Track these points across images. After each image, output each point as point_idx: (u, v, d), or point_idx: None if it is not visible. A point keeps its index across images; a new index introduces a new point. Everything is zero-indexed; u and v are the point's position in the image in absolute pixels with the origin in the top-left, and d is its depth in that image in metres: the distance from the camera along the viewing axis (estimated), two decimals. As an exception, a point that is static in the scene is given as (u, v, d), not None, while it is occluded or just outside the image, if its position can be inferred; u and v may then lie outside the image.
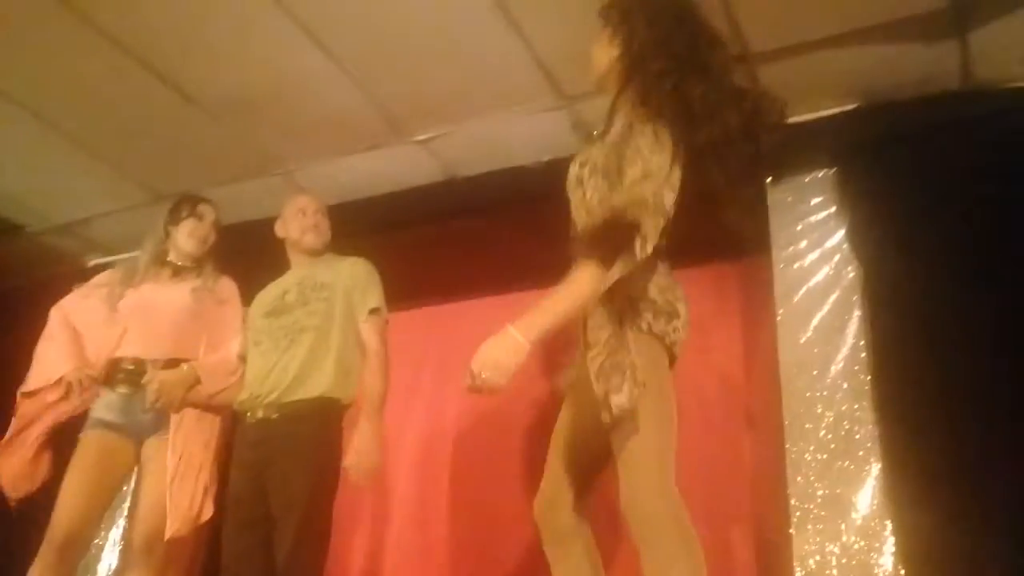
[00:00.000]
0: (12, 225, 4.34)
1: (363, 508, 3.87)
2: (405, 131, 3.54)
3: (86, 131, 3.68)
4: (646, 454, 1.94)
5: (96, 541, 3.88)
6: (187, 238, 3.13)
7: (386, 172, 3.77)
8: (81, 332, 3.03)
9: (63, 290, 4.48)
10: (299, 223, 3.05)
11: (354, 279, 2.96)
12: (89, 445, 2.86)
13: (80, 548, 2.83)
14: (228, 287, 3.19)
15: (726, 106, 1.99)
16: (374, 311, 2.92)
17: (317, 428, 2.74)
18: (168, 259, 3.15)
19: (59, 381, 2.92)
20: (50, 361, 2.98)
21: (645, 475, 1.93)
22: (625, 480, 1.95)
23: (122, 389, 2.91)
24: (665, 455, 1.98)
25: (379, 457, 2.67)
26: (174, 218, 3.16)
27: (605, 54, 2.16)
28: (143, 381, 2.88)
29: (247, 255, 3.65)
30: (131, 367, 2.92)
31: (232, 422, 2.98)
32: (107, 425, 2.87)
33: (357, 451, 2.65)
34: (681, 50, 2.04)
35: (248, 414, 2.82)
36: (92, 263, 4.58)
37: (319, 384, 2.77)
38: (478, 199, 3.75)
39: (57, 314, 3.10)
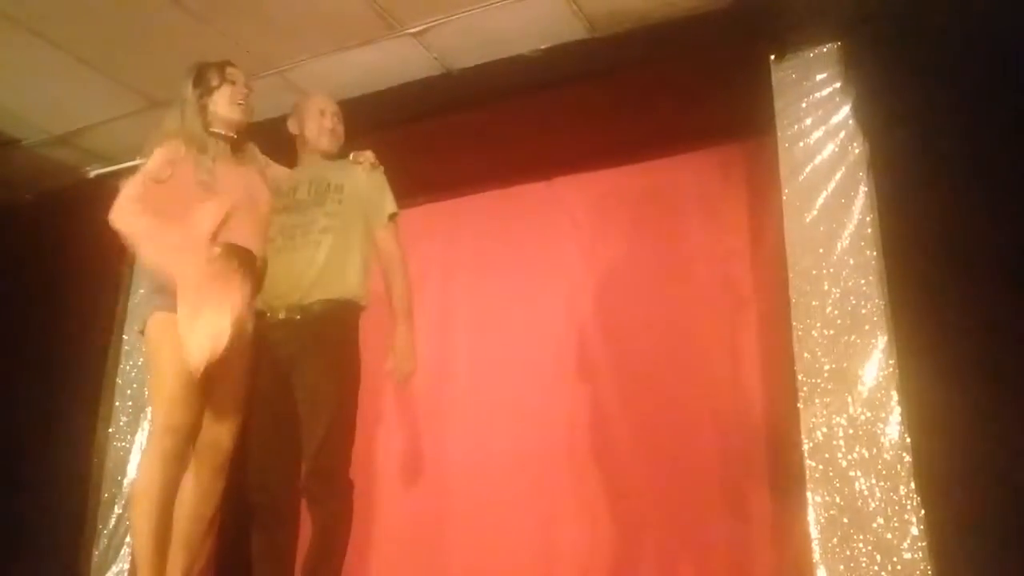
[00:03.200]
0: (9, 139, 4.30)
1: (384, 403, 3.97)
2: (397, 23, 3.45)
3: (76, 40, 3.60)
4: None
5: (123, 443, 4.00)
6: (230, 107, 2.80)
7: (380, 68, 3.68)
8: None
9: (66, 203, 4.53)
10: (317, 124, 3.04)
11: (371, 184, 2.96)
12: None
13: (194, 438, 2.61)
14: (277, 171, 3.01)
15: None
16: (392, 216, 2.94)
17: (340, 328, 2.80)
18: (213, 130, 2.79)
19: None
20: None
21: None
22: None
23: None
24: None
25: (416, 359, 2.76)
26: (206, 89, 2.80)
27: None
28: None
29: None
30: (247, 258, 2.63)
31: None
32: None
33: (397, 355, 2.74)
34: None
35: (269, 314, 2.85)
36: (93, 174, 4.56)
37: (339, 286, 2.81)
38: (476, 91, 3.68)
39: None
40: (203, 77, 2.83)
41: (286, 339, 2.79)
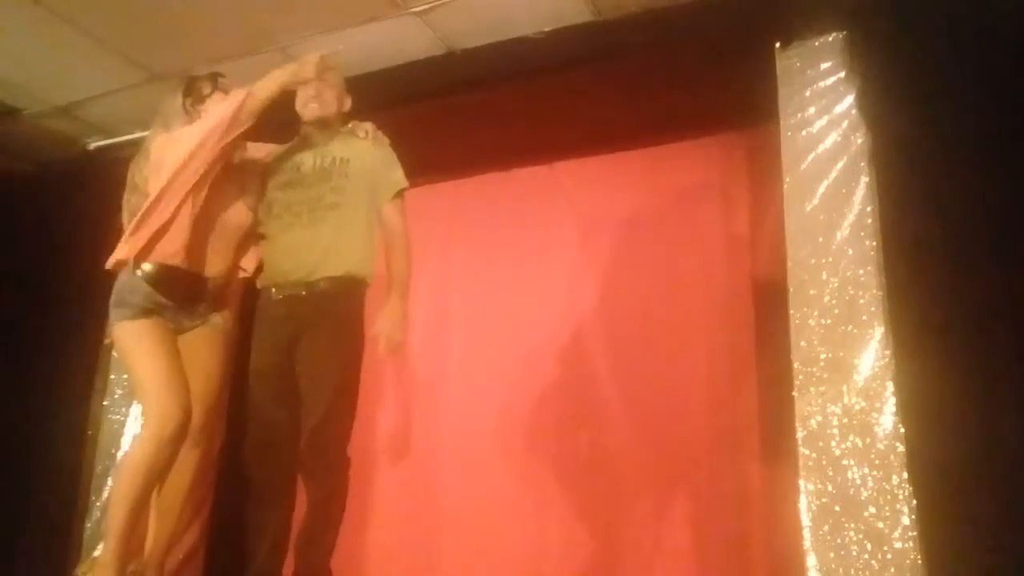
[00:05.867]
0: (10, 108, 4.28)
1: (384, 380, 3.99)
2: (402, 2, 3.43)
3: (80, 11, 3.57)
4: None
5: (118, 416, 4.00)
6: None
7: (383, 46, 3.66)
8: None
9: (66, 174, 4.52)
10: (303, 94, 2.97)
11: (378, 158, 2.93)
12: (152, 330, 2.68)
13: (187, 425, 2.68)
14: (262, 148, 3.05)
15: None
16: (400, 193, 2.91)
17: (345, 305, 2.79)
18: None
19: None
20: None
21: None
22: None
23: (173, 294, 2.73)
24: None
25: (407, 331, 2.74)
26: (198, 97, 2.91)
27: None
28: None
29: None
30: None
31: (252, 297, 3.01)
32: (159, 314, 2.71)
33: (388, 324, 2.70)
34: None
35: (274, 290, 2.84)
36: (93, 146, 4.54)
37: (346, 262, 2.79)
38: (479, 72, 3.67)
39: None
40: (196, 86, 2.93)
41: (289, 315, 2.78)
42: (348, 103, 3.04)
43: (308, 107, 2.96)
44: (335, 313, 2.75)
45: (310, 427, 2.67)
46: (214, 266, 2.82)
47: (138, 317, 2.69)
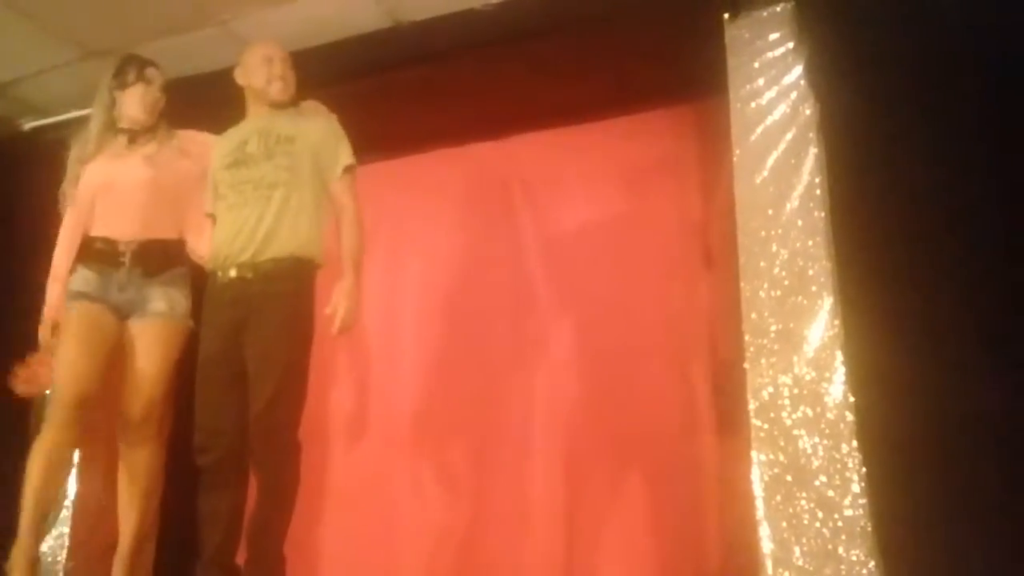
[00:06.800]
0: (-62, 89, 4.14)
1: (335, 362, 3.93)
2: (346, -27, 3.36)
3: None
4: None
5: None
6: (137, 105, 3.03)
7: (328, 19, 3.58)
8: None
9: (2, 154, 4.37)
10: (265, 72, 2.93)
11: (323, 135, 2.88)
12: (73, 315, 2.85)
13: (89, 407, 2.80)
14: (194, 139, 3.10)
15: None
16: (348, 169, 2.86)
17: (293, 286, 2.74)
18: (120, 126, 3.04)
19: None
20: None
21: None
22: None
23: (96, 268, 2.88)
24: None
25: (360, 310, 2.71)
26: (120, 82, 3.04)
27: None
28: None
29: (181, 112, 3.53)
30: (102, 247, 2.90)
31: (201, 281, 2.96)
32: (87, 296, 2.86)
33: (341, 304, 2.66)
34: None
35: (220, 273, 2.78)
36: (28, 126, 4.40)
37: (292, 242, 2.74)
38: (426, 46, 3.61)
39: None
40: (123, 71, 3.05)
41: (237, 299, 2.73)
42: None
43: (271, 87, 2.92)
44: (282, 295, 2.70)
45: (257, 411, 2.63)
46: (126, 231, 2.91)
47: (73, 300, 2.84)
